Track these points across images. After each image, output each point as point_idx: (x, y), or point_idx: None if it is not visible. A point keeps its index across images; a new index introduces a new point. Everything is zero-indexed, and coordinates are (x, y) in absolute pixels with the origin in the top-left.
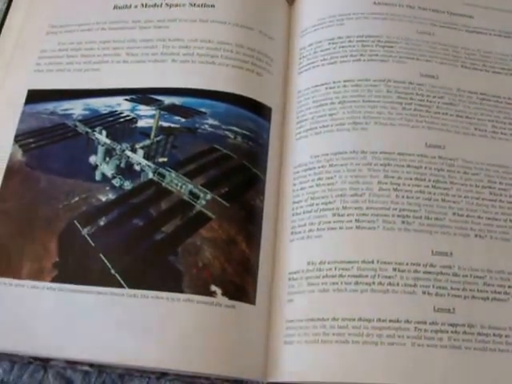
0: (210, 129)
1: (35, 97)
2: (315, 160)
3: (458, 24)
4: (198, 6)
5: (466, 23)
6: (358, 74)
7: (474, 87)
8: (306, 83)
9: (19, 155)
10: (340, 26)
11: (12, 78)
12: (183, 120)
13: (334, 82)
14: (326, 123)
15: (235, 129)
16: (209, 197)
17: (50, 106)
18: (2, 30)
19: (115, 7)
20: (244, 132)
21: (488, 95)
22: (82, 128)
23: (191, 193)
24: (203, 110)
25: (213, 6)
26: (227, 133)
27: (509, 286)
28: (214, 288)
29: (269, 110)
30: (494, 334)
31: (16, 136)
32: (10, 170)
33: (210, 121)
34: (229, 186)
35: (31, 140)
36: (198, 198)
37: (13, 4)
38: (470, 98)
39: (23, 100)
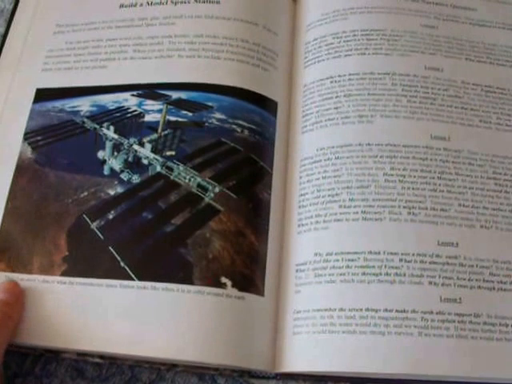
0: (217, 123)
1: (43, 95)
2: (321, 153)
3: (462, 17)
4: (203, 2)
5: (469, 16)
6: (362, 68)
7: (478, 79)
8: (311, 77)
9: (28, 153)
10: (344, 20)
11: (20, 77)
12: (190, 114)
13: (339, 76)
14: (332, 116)
15: (242, 122)
16: (217, 189)
17: (58, 104)
18: (10, 30)
19: (121, 6)
20: (251, 126)
21: (493, 87)
22: (89, 124)
23: (199, 185)
24: (210, 104)
25: (218, 2)
26: (234, 126)
27: None
28: (224, 280)
29: (275, 104)
30: (500, 324)
31: (25, 134)
32: (20, 168)
33: (217, 115)
34: (236, 179)
35: (40, 137)
36: (206, 190)
37: (20, 4)
38: (474, 91)
39: (32, 99)
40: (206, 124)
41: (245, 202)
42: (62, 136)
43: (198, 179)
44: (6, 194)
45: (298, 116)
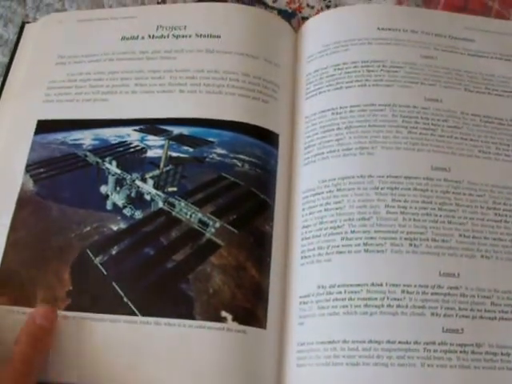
0: (217, 158)
1: (45, 127)
2: (323, 185)
3: (460, 48)
4: (204, 36)
5: (467, 47)
6: (363, 99)
7: (477, 110)
8: (312, 109)
9: (30, 185)
10: (345, 51)
11: (22, 109)
12: (191, 150)
13: (340, 108)
14: (333, 148)
15: (243, 157)
16: (218, 224)
17: (60, 136)
18: (14, 60)
19: (123, 38)
20: (251, 159)
21: (491, 117)
22: (92, 158)
23: (200, 221)
24: (211, 139)
25: (218, 36)
26: (235, 161)
27: None
28: (224, 314)
29: (276, 136)
30: (502, 353)
31: (27, 166)
32: (22, 200)
33: (218, 150)
34: (237, 213)
35: (42, 170)
36: (207, 226)
37: (23, 34)
38: (473, 121)
39: (33, 130)
40: (207, 159)
41: (246, 235)
42: (64, 169)
43: (199, 215)
44: (8, 226)
45: (299, 148)
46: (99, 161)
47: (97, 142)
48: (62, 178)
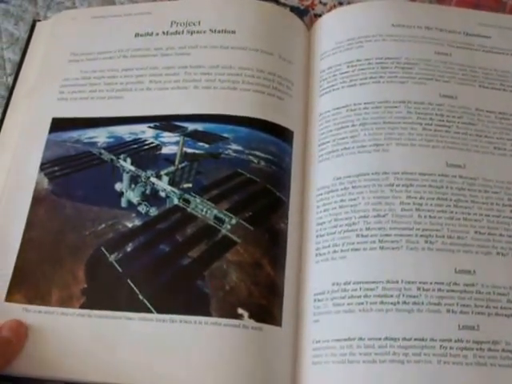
0: (233, 154)
1: (59, 125)
2: (338, 182)
3: (475, 44)
4: (219, 32)
5: (482, 43)
6: (377, 96)
7: (492, 106)
8: (326, 106)
9: (45, 183)
10: (359, 48)
11: (36, 106)
12: (207, 146)
13: (354, 105)
14: (348, 145)
15: (258, 153)
16: (233, 221)
17: (75, 135)
18: (25, 58)
19: (137, 35)
20: (267, 156)
21: (506, 114)
22: (106, 156)
23: (216, 217)
24: (226, 135)
25: (233, 31)
26: (250, 157)
27: None
28: (240, 311)
29: (291, 133)
30: None
31: (41, 164)
32: (37, 198)
33: (234, 146)
34: (253, 210)
35: (56, 168)
36: (223, 222)
37: (35, 32)
38: (488, 118)
39: (48, 128)
40: (223, 155)
41: (261, 233)
42: (79, 167)
43: (215, 211)
44: (23, 224)
45: (314, 145)
46: (114, 158)
47: (111, 140)
48: (77, 176)
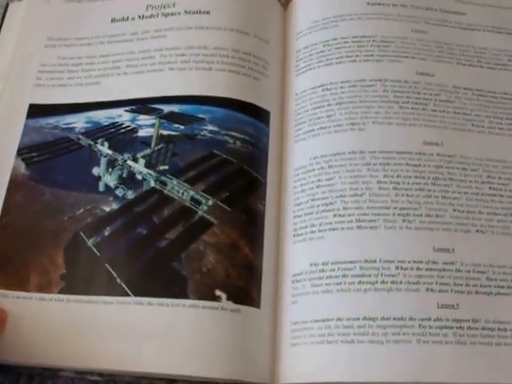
0: (209, 134)
1: (37, 111)
2: (314, 162)
3: (452, 21)
4: (194, 13)
5: (459, 20)
6: (354, 75)
7: (469, 83)
8: (303, 85)
9: (22, 169)
10: (334, 27)
11: (12, 92)
12: (182, 127)
13: (330, 84)
14: (324, 125)
15: (234, 134)
16: (210, 202)
17: (53, 120)
18: None
19: (113, 20)
20: (243, 136)
21: (484, 91)
22: (84, 141)
23: (193, 199)
24: (202, 116)
25: (208, 12)
26: (226, 138)
27: (511, 280)
28: (218, 293)
29: (267, 113)
30: (498, 329)
31: (19, 150)
32: (13, 184)
33: (209, 127)
34: (230, 191)
35: (34, 154)
36: (199, 203)
37: (8, 13)
38: (466, 95)
39: (25, 114)
40: (198, 136)
41: (238, 213)
42: (57, 153)
43: (191, 193)
44: (0, 209)
45: (290, 125)
46: (91, 143)
47: (89, 125)
48: (55, 162)
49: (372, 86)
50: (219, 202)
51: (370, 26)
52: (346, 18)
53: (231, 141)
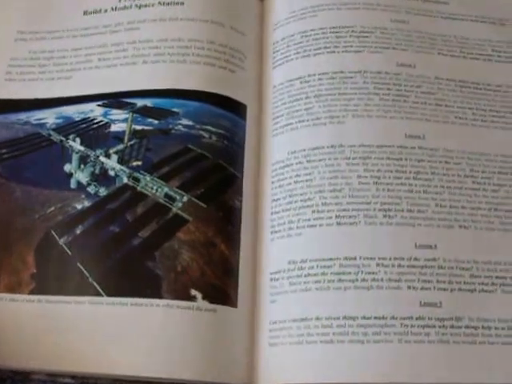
0: (183, 129)
1: (7, 107)
2: (292, 156)
3: (433, 11)
4: (168, 4)
5: (440, 9)
6: (332, 67)
7: (452, 75)
8: (280, 78)
9: None
10: (313, 17)
11: None
12: (156, 122)
13: (308, 76)
14: (302, 118)
15: (209, 128)
16: (185, 199)
17: (23, 116)
18: None
19: (85, 13)
20: (219, 131)
21: (467, 82)
22: (56, 137)
23: (167, 195)
24: (176, 110)
25: (182, 3)
26: (201, 132)
27: (496, 277)
28: (193, 292)
29: (244, 107)
30: (482, 327)
31: None
32: None
33: (184, 121)
34: (205, 187)
35: (4, 150)
36: (173, 200)
37: None
38: (448, 86)
39: None
40: (173, 131)
41: (214, 210)
42: (28, 149)
43: (165, 189)
44: None
45: (268, 119)
46: (63, 139)
47: (60, 121)
48: (26, 159)
49: (351, 77)
50: (194, 199)
51: (349, 15)
52: (324, 8)
53: (206, 135)
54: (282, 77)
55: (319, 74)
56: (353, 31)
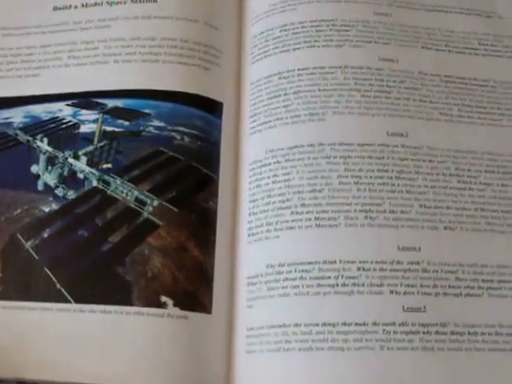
0: (155, 131)
1: None
2: (270, 155)
3: (416, 3)
4: (140, 1)
5: (424, 2)
6: (312, 62)
7: (436, 69)
8: (258, 74)
9: None
10: (292, 11)
11: None
12: (127, 123)
13: (287, 71)
14: (281, 116)
15: (182, 129)
16: (155, 203)
17: None
18: None
19: (55, 8)
20: (192, 131)
21: (452, 77)
22: (23, 136)
23: (137, 199)
24: (147, 111)
25: (155, 1)
26: (173, 134)
27: (482, 280)
28: (164, 299)
29: (220, 105)
30: (468, 333)
31: None
32: None
33: (155, 122)
34: (177, 190)
35: None
36: (144, 204)
37: None
38: (432, 81)
39: None
40: (144, 133)
41: (187, 213)
42: None
43: (136, 193)
44: None
45: (245, 116)
46: (30, 139)
47: (28, 120)
48: None
49: (332, 73)
50: (165, 203)
51: (330, 9)
52: (304, 1)
53: (178, 137)
54: (260, 72)
55: (298, 70)
56: (333, 25)
